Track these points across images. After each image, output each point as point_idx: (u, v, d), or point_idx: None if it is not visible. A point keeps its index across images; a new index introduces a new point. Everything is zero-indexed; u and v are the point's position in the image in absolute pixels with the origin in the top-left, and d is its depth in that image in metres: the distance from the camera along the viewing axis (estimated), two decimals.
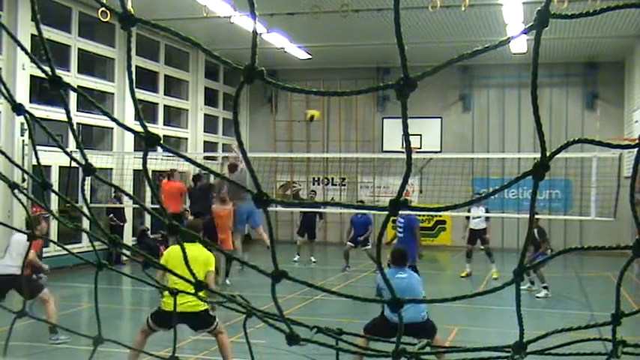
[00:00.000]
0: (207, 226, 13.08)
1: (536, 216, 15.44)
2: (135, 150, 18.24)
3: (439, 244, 23.71)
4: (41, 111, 14.21)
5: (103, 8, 13.91)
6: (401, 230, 13.59)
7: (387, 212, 1.25)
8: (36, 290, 9.50)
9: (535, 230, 14.42)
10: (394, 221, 13.95)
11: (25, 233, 1.78)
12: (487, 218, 16.62)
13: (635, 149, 1.18)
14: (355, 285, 15.09)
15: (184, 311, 7.28)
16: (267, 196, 1.29)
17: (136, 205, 18.52)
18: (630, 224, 15.10)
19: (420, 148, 21.91)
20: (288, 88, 1.32)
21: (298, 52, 21.51)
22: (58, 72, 1.39)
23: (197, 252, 7.80)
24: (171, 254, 7.89)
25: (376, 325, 7.69)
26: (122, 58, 18.51)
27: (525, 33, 1.21)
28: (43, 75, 1.39)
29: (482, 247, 16.41)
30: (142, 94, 19.89)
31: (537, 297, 13.62)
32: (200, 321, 7.67)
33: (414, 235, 13.35)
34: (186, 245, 6.61)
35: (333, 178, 24.79)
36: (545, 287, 13.72)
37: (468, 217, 16.58)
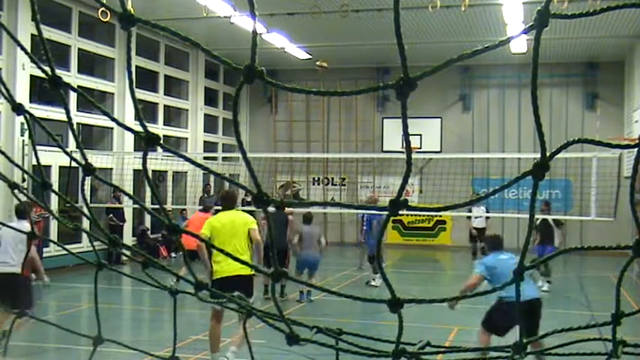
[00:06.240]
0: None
1: (536, 216, 15.55)
2: (135, 150, 18.23)
3: (439, 244, 23.72)
4: (41, 111, 14.21)
5: (103, 8, 13.91)
6: (365, 224, 15.27)
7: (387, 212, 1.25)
8: (32, 300, 8.73)
9: (550, 219, 14.61)
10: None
11: (24, 233, 1.77)
12: (487, 217, 16.92)
13: (635, 149, 1.18)
14: (355, 285, 15.09)
15: (234, 275, 7.86)
16: (267, 196, 1.29)
17: (136, 205, 18.52)
18: (630, 224, 15.10)
19: (420, 148, 21.91)
20: (288, 88, 1.32)
21: (298, 52, 21.51)
22: (58, 72, 1.39)
23: (234, 217, 8.39)
24: (214, 224, 8.32)
25: (501, 313, 7.52)
26: (122, 58, 18.51)
27: (525, 33, 1.21)
28: (43, 75, 1.39)
29: (480, 245, 16.63)
30: (142, 94, 19.88)
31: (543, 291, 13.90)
32: (246, 286, 8.02)
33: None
34: (227, 212, 6.60)
35: (333, 178, 24.79)
36: (548, 282, 13.99)
37: (469, 217, 16.77)
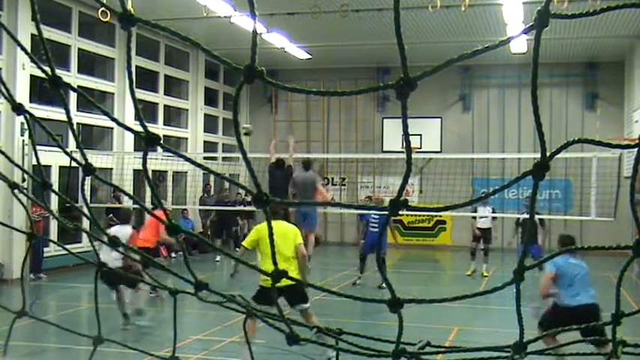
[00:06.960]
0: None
1: (537, 216, 15.49)
2: (135, 150, 18.23)
3: (439, 243, 23.72)
4: (41, 111, 14.21)
5: (103, 8, 13.92)
6: (375, 226, 14.66)
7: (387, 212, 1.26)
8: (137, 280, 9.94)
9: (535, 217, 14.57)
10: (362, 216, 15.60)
11: (24, 233, 1.77)
12: (493, 218, 16.84)
13: (635, 149, 1.18)
14: (355, 285, 15.08)
15: (283, 285, 7.34)
16: (267, 195, 1.29)
17: (136, 205, 18.51)
18: (630, 224, 15.10)
19: (420, 148, 21.90)
20: (288, 88, 1.32)
21: (298, 52, 21.51)
22: (58, 72, 1.39)
23: (285, 228, 8.28)
24: (262, 231, 8.14)
25: (556, 316, 7.66)
26: (122, 58, 18.51)
27: (525, 33, 1.21)
28: (43, 75, 1.39)
29: (482, 246, 16.55)
30: (142, 94, 19.88)
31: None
32: (298, 295, 8.05)
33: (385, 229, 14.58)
34: (274, 222, 6.24)
35: (333, 178, 24.78)
36: None
37: (474, 217, 16.68)
